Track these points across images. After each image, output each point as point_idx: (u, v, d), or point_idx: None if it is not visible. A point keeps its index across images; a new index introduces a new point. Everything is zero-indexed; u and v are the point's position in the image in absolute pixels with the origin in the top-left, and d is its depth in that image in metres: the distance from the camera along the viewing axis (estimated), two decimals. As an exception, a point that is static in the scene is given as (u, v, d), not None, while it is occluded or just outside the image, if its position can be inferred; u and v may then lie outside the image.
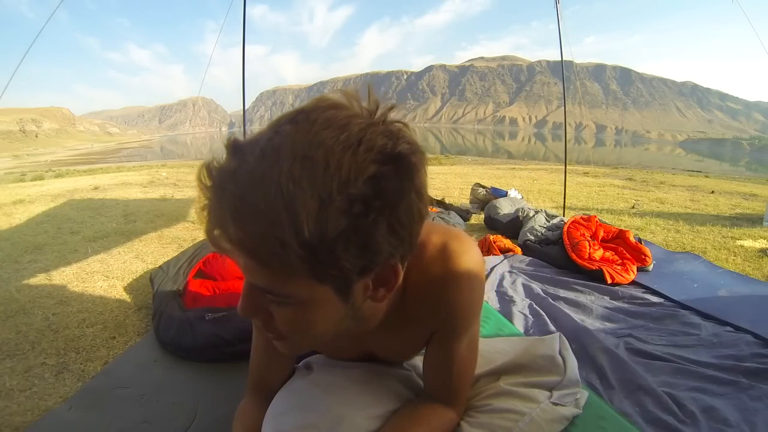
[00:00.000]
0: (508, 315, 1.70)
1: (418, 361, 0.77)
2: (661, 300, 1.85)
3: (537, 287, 1.99)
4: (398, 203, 0.36)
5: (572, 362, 0.79)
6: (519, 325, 1.64)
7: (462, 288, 0.54)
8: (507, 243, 2.54)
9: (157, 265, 2.17)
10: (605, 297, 1.90)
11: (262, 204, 0.32)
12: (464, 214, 3.37)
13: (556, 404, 0.70)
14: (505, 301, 1.84)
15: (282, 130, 0.35)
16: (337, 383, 0.65)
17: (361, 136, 0.34)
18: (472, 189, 4.02)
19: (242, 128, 3.42)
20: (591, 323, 1.65)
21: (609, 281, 2.00)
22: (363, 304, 0.44)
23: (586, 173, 7.65)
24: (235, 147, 0.35)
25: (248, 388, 0.71)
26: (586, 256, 2.19)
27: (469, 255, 0.54)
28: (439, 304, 0.55)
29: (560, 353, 0.80)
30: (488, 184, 4.15)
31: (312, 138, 0.33)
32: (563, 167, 3.94)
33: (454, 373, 0.62)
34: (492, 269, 2.17)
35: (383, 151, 0.34)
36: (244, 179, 0.33)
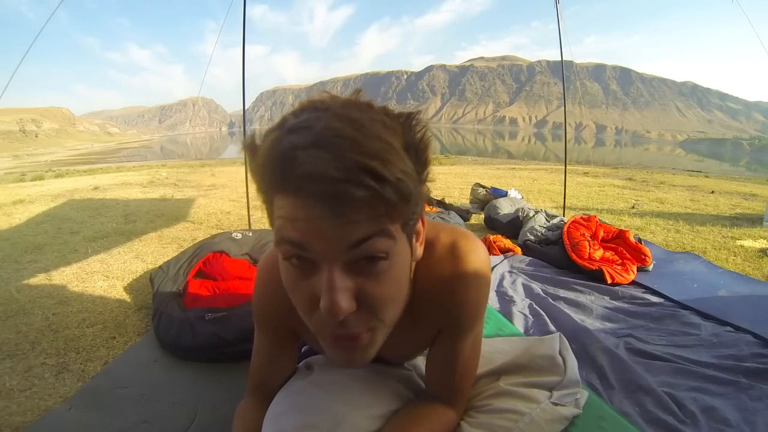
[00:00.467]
0: (508, 315, 1.70)
1: (419, 361, 0.77)
2: (661, 300, 1.84)
3: (537, 287, 1.99)
4: (424, 150, 0.41)
5: (572, 362, 0.79)
6: (519, 325, 1.64)
7: (470, 287, 0.54)
8: (507, 243, 2.54)
9: (157, 265, 2.17)
10: (605, 297, 1.90)
11: (381, 151, 0.35)
12: (464, 214, 3.37)
13: (556, 404, 0.70)
14: (505, 301, 1.84)
15: (320, 112, 0.37)
16: (338, 383, 0.65)
17: (375, 106, 0.39)
18: (472, 189, 4.02)
19: (242, 128, 3.42)
20: (591, 323, 1.65)
21: (609, 281, 2.00)
22: (413, 263, 0.49)
23: (586, 173, 7.64)
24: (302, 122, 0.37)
25: (249, 388, 0.71)
26: (586, 256, 2.19)
27: (477, 254, 0.55)
28: (448, 302, 0.55)
29: (560, 353, 0.80)
30: (488, 184, 4.15)
31: (349, 113, 0.37)
32: (563, 167, 3.94)
33: (458, 372, 0.62)
34: (492, 269, 2.17)
35: (398, 115, 0.40)
36: (349, 139, 0.35)
